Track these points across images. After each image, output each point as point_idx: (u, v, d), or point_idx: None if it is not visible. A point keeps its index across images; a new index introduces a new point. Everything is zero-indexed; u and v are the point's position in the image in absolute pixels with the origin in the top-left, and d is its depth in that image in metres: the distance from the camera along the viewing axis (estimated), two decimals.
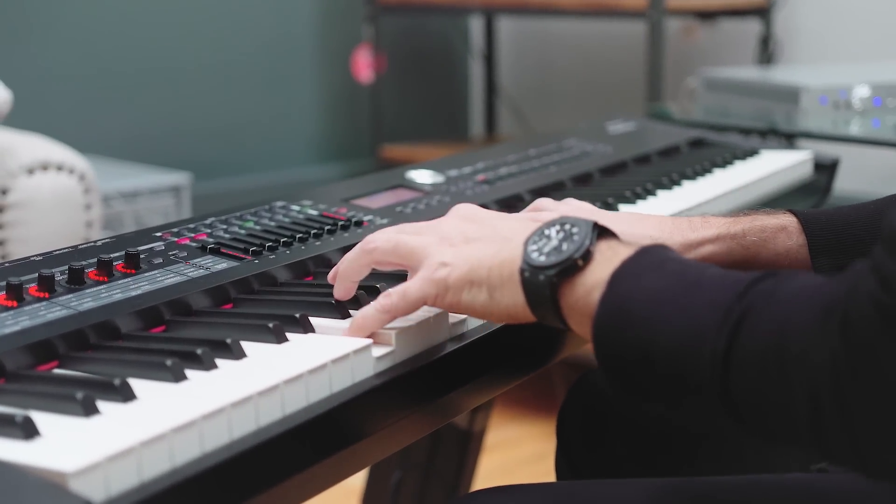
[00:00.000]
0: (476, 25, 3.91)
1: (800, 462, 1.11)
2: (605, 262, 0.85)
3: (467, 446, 1.70)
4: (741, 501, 0.97)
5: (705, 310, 0.79)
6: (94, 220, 2.08)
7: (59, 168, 2.03)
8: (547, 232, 0.88)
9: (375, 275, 1.01)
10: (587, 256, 0.86)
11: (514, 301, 0.89)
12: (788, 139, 2.19)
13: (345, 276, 0.97)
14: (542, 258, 0.87)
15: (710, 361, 0.77)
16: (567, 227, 0.88)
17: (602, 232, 0.88)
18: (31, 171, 2.01)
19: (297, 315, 0.93)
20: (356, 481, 1.89)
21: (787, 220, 1.12)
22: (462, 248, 0.92)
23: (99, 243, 1.06)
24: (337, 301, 0.96)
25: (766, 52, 3.20)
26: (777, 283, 0.79)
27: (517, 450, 2.58)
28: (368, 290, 1.00)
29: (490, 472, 2.28)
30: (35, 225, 2.00)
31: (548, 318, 0.88)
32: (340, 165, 3.64)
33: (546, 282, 0.86)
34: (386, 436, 0.90)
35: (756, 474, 1.05)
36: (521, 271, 0.87)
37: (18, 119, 2.32)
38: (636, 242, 0.87)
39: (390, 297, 0.92)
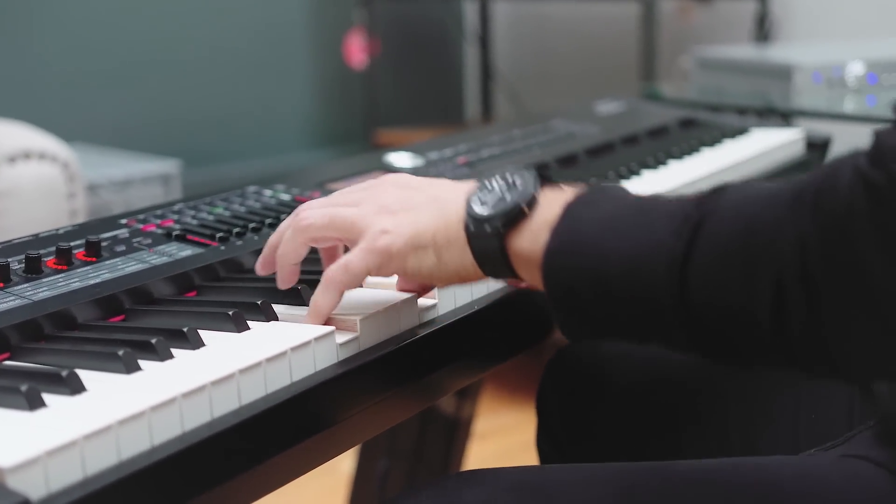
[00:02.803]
0: (471, 8, 3.88)
1: (785, 446, 1.08)
2: (552, 204, 0.83)
3: (455, 433, 1.67)
4: (724, 484, 0.94)
5: (662, 221, 0.76)
6: (78, 210, 2.05)
7: (42, 156, 2.00)
8: (489, 185, 0.86)
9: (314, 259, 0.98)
10: (532, 202, 0.84)
11: (461, 260, 0.87)
12: (785, 118, 2.16)
13: (283, 259, 0.92)
14: (487, 210, 0.84)
15: (667, 270, 0.74)
16: (509, 177, 0.86)
17: (545, 180, 0.86)
18: (12, 160, 1.98)
19: (259, 302, 0.90)
20: (344, 469, 1.87)
21: None
22: (402, 215, 0.89)
23: (61, 231, 1.03)
24: (300, 287, 0.93)
25: (763, 31, 3.17)
26: (744, 185, 0.75)
27: (512, 436, 2.55)
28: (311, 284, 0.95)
29: (485, 459, 2.25)
30: (17, 215, 1.97)
31: (498, 271, 0.86)
32: (334, 151, 3.61)
33: (493, 233, 0.84)
34: (352, 425, 0.87)
35: (741, 457, 1.02)
36: (466, 226, 0.85)
37: (5, 107, 2.29)
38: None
39: (333, 272, 0.88)
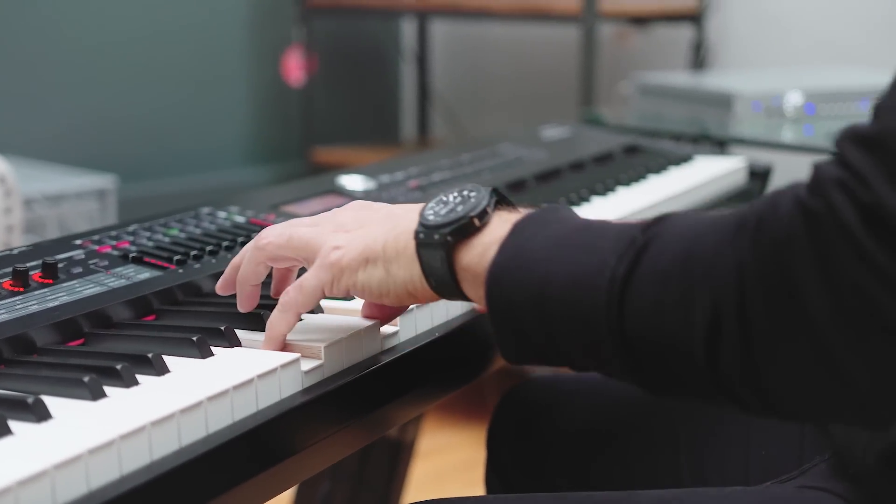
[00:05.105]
0: (408, 28, 3.88)
1: (735, 479, 1.09)
2: (504, 222, 0.83)
3: (398, 457, 1.67)
4: None
5: (608, 243, 0.76)
6: (14, 225, 2.02)
7: None
8: (445, 198, 0.86)
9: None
10: (484, 216, 0.84)
11: (409, 273, 0.86)
12: (720, 145, 2.19)
13: (243, 280, 0.92)
14: (438, 218, 0.84)
15: (607, 289, 0.73)
16: (465, 192, 0.86)
17: (501, 200, 0.86)
18: None
19: (223, 328, 0.89)
20: (285, 492, 1.85)
21: None
22: (356, 231, 0.89)
23: (16, 251, 1.02)
24: (262, 313, 0.92)
25: (699, 58, 3.21)
26: (690, 213, 0.76)
27: (448, 457, 2.55)
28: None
29: (421, 479, 2.25)
30: None
31: (443, 286, 0.85)
32: (270, 168, 3.59)
33: (440, 241, 0.83)
34: (316, 452, 0.87)
35: (703, 487, 1.03)
36: (416, 234, 0.85)
37: None
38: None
39: (288, 293, 0.88)
